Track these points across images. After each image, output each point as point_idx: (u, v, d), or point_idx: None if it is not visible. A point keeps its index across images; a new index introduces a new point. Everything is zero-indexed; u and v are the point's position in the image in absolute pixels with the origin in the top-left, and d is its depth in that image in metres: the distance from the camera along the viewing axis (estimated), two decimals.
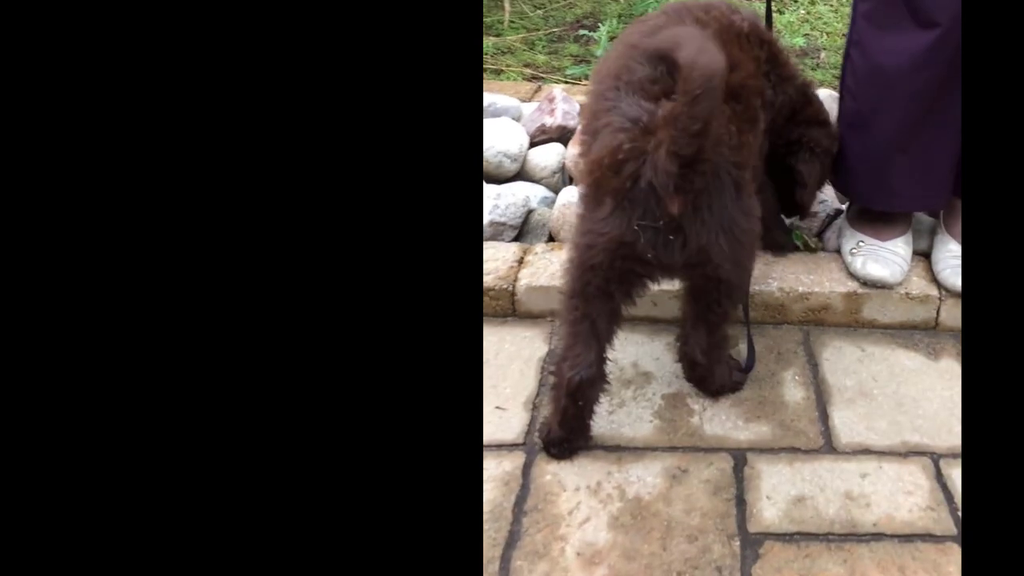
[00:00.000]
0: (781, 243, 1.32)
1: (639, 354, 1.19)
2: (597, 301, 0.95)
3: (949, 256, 1.29)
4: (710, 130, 0.82)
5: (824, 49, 2.16)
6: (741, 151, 0.94)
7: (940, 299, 1.27)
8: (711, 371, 1.08)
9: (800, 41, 2.12)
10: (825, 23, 2.31)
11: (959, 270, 1.26)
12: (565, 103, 1.57)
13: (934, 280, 1.29)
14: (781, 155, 1.22)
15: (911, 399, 1.14)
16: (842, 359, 1.21)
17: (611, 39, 2.24)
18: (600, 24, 2.30)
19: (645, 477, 1.00)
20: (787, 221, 1.35)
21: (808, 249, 1.34)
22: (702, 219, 0.89)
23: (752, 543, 0.93)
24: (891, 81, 1.19)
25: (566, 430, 1.01)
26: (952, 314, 1.27)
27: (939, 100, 1.18)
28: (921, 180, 1.25)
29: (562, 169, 1.51)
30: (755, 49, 1.09)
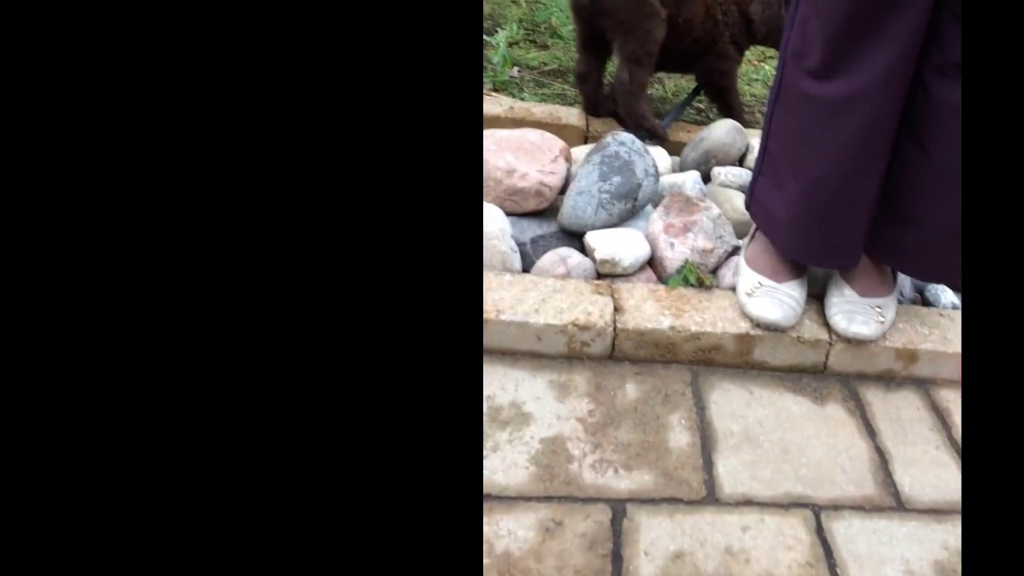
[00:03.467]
0: (647, 126, 1.74)
1: (519, 393, 1.12)
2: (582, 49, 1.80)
3: (842, 301, 1.28)
4: None
5: None
6: None
7: (830, 343, 1.25)
8: (636, 98, 1.69)
9: None
10: None
11: (850, 315, 1.25)
12: None
13: (825, 324, 1.28)
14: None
15: (796, 446, 1.11)
16: (730, 402, 1.17)
17: (510, 45, 2.14)
18: (499, 28, 2.19)
19: (516, 530, 0.93)
20: (687, 261, 1.31)
21: (702, 286, 1.31)
22: None
23: None
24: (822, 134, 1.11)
25: (588, 108, 1.83)
26: (840, 359, 1.26)
27: (872, 152, 1.11)
28: (845, 239, 1.22)
29: None
30: None
